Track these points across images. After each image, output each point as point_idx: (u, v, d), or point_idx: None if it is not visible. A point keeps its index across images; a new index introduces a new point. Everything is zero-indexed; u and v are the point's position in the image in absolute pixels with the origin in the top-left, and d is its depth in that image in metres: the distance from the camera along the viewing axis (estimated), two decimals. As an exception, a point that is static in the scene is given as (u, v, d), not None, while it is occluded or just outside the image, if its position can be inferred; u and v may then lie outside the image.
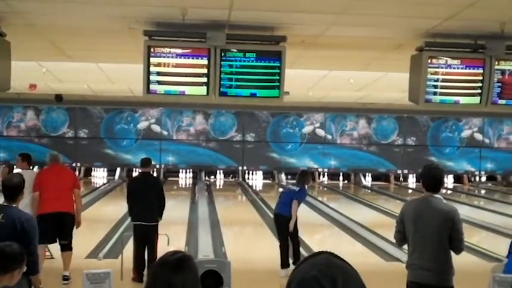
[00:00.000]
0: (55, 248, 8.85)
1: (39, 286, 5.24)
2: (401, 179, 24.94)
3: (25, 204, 8.41)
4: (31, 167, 10.23)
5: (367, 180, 25.53)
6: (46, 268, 8.40)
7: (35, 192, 8.61)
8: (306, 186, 9.70)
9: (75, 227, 8.86)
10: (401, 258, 9.34)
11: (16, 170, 12.12)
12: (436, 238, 5.36)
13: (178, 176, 24.86)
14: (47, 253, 9.27)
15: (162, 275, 2.49)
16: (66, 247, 8.68)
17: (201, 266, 5.84)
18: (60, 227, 8.59)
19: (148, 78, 7.27)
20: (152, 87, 7.32)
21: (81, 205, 9.31)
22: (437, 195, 5.50)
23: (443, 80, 7.52)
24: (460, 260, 5.79)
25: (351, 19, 7.02)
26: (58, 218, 8.55)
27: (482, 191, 24.83)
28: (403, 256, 9.16)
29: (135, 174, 23.12)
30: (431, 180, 5.51)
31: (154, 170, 23.30)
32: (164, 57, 7.24)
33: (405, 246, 5.80)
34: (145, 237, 8.71)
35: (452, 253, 5.45)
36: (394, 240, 5.96)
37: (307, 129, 24.28)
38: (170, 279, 2.46)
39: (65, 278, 8.53)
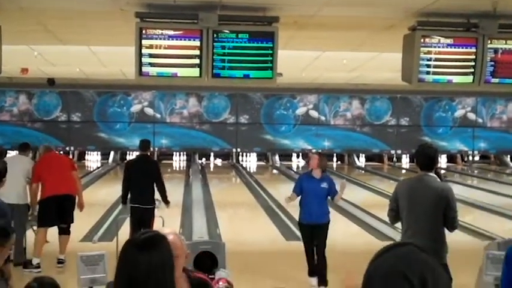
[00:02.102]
0: (50, 231, 8.84)
1: (10, 274, 5.15)
2: (394, 159, 25.00)
3: (18, 192, 8.37)
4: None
5: (361, 161, 25.58)
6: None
7: (33, 184, 8.59)
8: (312, 170, 7.97)
9: (78, 210, 8.89)
10: (395, 238, 9.39)
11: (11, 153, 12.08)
12: (430, 216, 5.38)
13: (172, 159, 24.85)
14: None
15: (128, 253, 2.46)
16: (65, 231, 8.70)
17: (195, 248, 5.87)
18: (62, 209, 8.59)
19: (141, 60, 7.23)
20: (144, 69, 7.28)
21: (81, 187, 9.37)
22: (431, 174, 5.52)
23: (436, 59, 7.51)
24: (453, 239, 5.83)
25: (344, -1, 7.00)
26: (61, 201, 8.56)
27: (476, 171, 24.92)
28: (396, 235, 9.20)
29: (129, 157, 23.14)
30: (425, 159, 5.53)
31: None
32: (156, 39, 7.20)
33: (398, 225, 5.83)
34: (142, 220, 8.70)
35: (445, 231, 5.48)
36: (387, 219, 5.98)
37: (301, 110, 24.28)
38: (136, 257, 2.43)
39: (60, 262, 8.54)
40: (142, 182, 8.81)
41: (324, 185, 7.88)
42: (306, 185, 7.94)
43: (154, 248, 2.46)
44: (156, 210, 8.86)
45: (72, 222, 8.78)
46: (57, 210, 8.56)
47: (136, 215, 8.75)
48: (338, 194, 7.97)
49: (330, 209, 8.02)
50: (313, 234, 7.80)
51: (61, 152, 22.15)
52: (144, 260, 2.41)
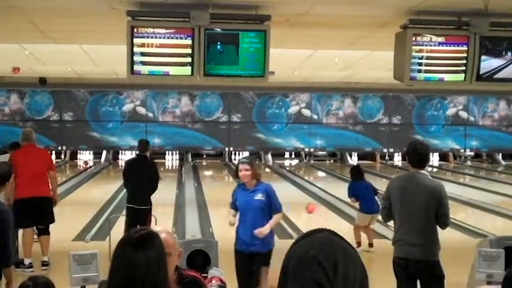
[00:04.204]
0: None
1: (11, 278, 5.10)
2: (387, 157, 25.03)
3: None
4: None
5: (353, 160, 25.59)
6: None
7: None
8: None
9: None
10: (388, 235, 9.39)
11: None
12: (423, 214, 5.39)
13: (164, 158, 24.80)
14: (34, 236, 9.19)
15: (123, 253, 2.45)
16: (44, 231, 8.45)
17: (188, 246, 5.86)
18: (38, 211, 8.31)
19: (132, 59, 7.21)
20: (136, 68, 7.26)
21: (56, 185, 9.02)
22: (423, 171, 5.53)
23: (428, 58, 7.52)
24: (446, 236, 5.84)
25: (335, -3, 7.00)
26: (35, 203, 8.27)
27: (468, 169, 24.97)
28: (389, 233, 9.21)
29: (121, 156, 23.17)
30: (417, 156, 5.53)
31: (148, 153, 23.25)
32: (148, 37, 7.18)
33: (391, 223, 5.83)
34: (137, 220, 8.66)
35: (438, 228, 5.49)
36: (380, 218, 5.99)
37: (293, 109, 24.29)
38: (132, 256, 2.42)
39: (44, 264, 8.31)
40: (138, 182, 8.78)
41: (259, 196, 6.17)
42: (238, 200, 6.32)
43: (148, 246, 2.46)
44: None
45: (52, 222, 8.51)
46: (34, 212, 8.27)
47: (131, 215, 8.72)
48: (266, 226, 6.11)
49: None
50: (250, 267, 6.15)
51: (53, 152, 22.22)
52: (139, 257, 2.41)
